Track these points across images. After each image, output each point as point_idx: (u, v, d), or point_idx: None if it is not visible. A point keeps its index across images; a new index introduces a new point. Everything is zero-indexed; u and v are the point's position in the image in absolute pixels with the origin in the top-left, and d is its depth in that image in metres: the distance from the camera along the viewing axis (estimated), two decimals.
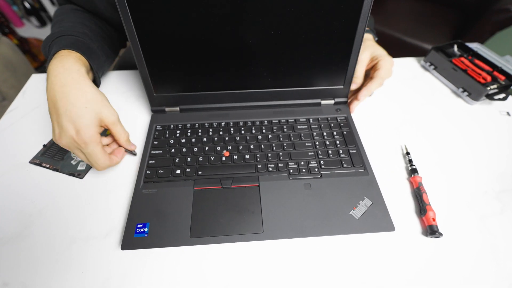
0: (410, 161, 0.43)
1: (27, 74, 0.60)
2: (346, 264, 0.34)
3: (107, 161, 0.37)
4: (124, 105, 0.51)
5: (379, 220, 0.36)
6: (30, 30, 1.68)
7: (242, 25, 0.38)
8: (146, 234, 0.34)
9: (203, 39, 0.40)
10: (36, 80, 0.57)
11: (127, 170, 0.42)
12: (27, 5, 1.61)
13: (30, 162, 0.43)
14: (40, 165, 0.42)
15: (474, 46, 0.60)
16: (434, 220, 0.36)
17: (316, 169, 0.40)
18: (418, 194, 0.39)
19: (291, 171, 0.40)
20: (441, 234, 0.35)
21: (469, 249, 0.35)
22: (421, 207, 0.37)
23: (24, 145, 0.45)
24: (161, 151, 0.42)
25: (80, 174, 0.41)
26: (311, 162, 0.41)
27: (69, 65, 0.37)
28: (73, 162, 0.43)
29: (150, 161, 0.41)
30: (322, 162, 0.41)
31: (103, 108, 0.37)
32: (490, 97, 0.50)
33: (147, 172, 0.40)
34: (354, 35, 0.41)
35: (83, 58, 0.41)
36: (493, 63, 0.54)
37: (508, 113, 0.51)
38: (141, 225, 0.35)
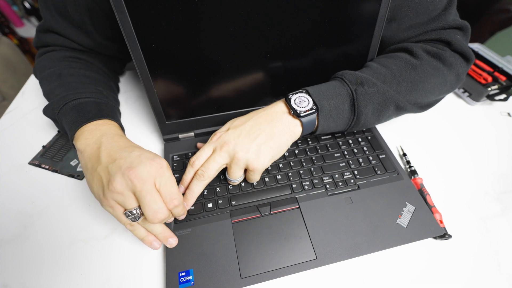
0: (408, 162, 0.43)
1: (27, 74, 0.63)
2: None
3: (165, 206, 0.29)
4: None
5: (426, 225, 0.35)
6: (30, 30, 1.61)
7: (257, 41, 0.36)
8: (192, 283, 0.31)
9: (215, 58, 0.37)
10: (36, 80, 0.55)
11: None
12: (27, 5, 1.55)
13: (30, 163, 0.43)
14: (39, 166, 0.42)
15: (475, 46, 0.61)
16: (441, 222, 0.36)
17: (352, 180, 0.39)
18: (422, 196, 0.39)
19: (327, 186, 0.39)
20: (450, 236, 0.35)
21: (469, 250, 0.35)
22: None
23: (24, 145, 0.45)
24: None
25: (79, 175, 0.41)
26: (345, 173, 0.40)
27: (107, 130, 0.35)
28: (72, 163, 0.43)
29: None
30: (356, 172, 0.40)
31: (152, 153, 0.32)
32: (491, 97, 0.51)
33: None
34: (371, 38, 0.40)
35: (113, 122, 0.38)
36: (494, 64, 0.54)
37: (509, 114, 0.52)
38: (183, 273, 0.32)
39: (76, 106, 0.37)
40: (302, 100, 0.36)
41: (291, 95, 0.37)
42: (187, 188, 0.36)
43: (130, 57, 0.34)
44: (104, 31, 0.42)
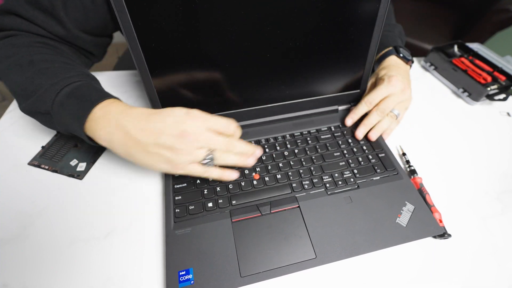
0: (408, 161, 0.43)
1: None
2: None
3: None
4: None
5: (426, 224, 0.35)
6: None
7: (256, 40, 0.36)
8: (192, 282, 0.31)
9: (215, 58, 0.37)
10: None
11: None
12: None
13: (29, 163, 0.42)
14: (39, 166, 0.42)
15: (475, 46, 0.61)
16: (441, 221, 0.36)
17: (352, 179, 0.39)
18: (421, 195, 0.39)
19: (327, 185, 0.39)
20: (449, 235, 0.35)
21: (469, 250, 0.35)
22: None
23: (24, 146, 0.45)
24: (185, 184, 0.39)
25: (79, 175, 0.41)
26: (345, 172, 0.40)
27: (116, 110, 0.34)
28: (72, 163, 0.43)
29: (176, 197, 0.37)
30: (355, 171, 0.40)
31: None
32: (491, 97, 0.51)
33: (176, 210, 0.36)
34: (370, 38, 0.40)
35: (114, 99, 0.36)
36: (493, 64, 0.54)
37: (508, 114, 0.52)
38: (183, 272, 0.32)
39: (72, 92, 0.33)
40: (404, 50, 0.49)
41: (400, 50, 0.49)
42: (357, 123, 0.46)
43: (104, 52, 0.33)
44: (80, 22, 0.38)
